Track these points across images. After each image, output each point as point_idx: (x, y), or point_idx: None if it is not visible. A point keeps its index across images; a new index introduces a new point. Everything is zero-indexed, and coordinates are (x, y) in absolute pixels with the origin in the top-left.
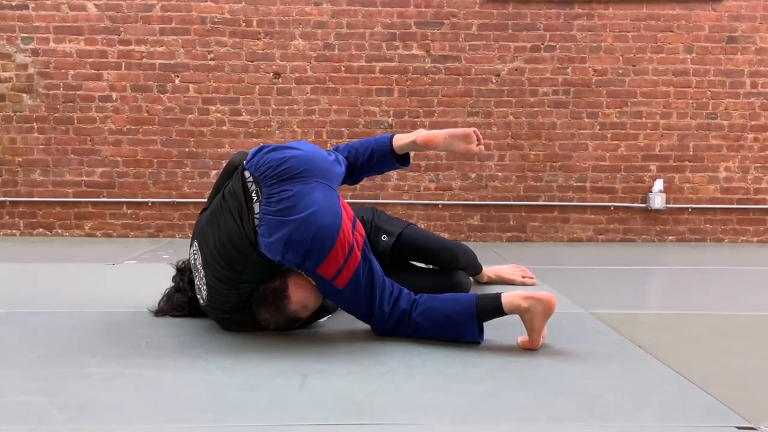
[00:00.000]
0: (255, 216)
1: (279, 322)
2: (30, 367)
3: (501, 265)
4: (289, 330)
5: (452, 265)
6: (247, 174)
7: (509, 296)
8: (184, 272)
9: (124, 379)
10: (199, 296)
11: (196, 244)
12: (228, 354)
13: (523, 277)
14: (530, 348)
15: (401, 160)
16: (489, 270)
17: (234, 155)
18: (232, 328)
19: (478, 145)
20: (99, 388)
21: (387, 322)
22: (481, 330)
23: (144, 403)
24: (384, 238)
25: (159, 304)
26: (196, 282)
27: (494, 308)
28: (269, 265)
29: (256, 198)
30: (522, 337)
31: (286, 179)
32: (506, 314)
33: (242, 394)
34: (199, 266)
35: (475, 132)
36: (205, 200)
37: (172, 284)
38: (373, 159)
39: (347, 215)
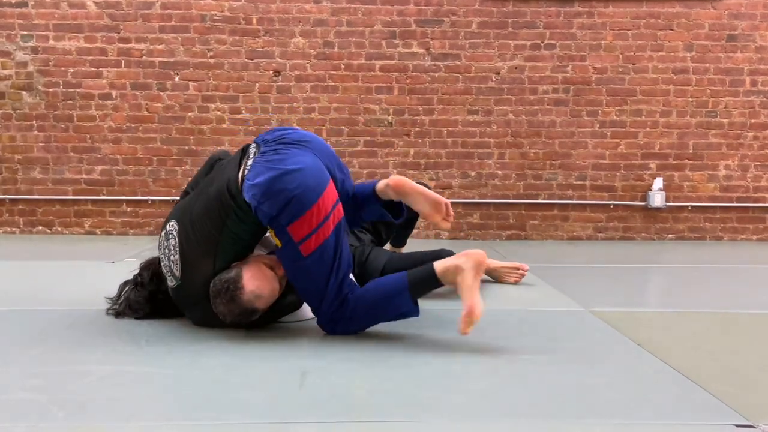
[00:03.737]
0: (247, 166)
1: (234, 314)
2: (30, 364)
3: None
4: (247, 323)
5: None
6: (252, 144)
7: (441, 261)
8: (148, 267)
9: (124, 376)
10: (170, 277)
11: (173, 221)
12: (228, 351)
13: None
14: (468, 317)
15: (390, 209)
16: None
17: (214, 152)
18: (200, 320)
19: (445, 219)
20: (99, 385)
21: (332, 308)
22: (415, 302)
23: (144, 400)
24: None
25: (116, 304)
26: (165, 265)
27: (427, 275)
28: (246, 229)
29: (253, 154)
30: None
31: (285, 143)
32: (440, 281)
33: (242, 391)
34: (172, 243)
35: (446, 205)
36: None
37: (131, 281)
38: (357, 198)
39: (331, 193)
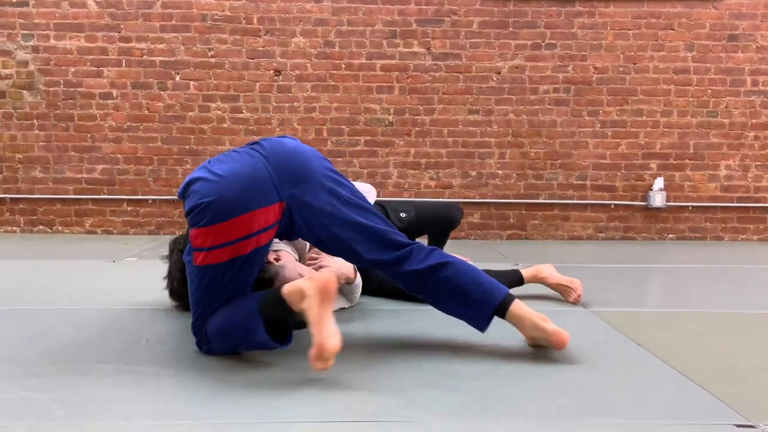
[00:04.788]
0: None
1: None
2: (30, 363)
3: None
4: None
5: (458, 217)
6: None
7: (289, 284)
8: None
9: (125, 376)
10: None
11: None
12: None
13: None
14: (318, 355)
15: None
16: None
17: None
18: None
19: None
20: (99, 385)
21: (198, 322)
22: (279, 332)
23: (144, 400)
24: (403, 215)
25: (171, 284)
26: None
27: (276, 298)
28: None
29: None
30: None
31: (253, 144)
32: (290, 306)
33: (242, 391)
34: None
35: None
36: None
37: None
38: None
39: (250, 221)
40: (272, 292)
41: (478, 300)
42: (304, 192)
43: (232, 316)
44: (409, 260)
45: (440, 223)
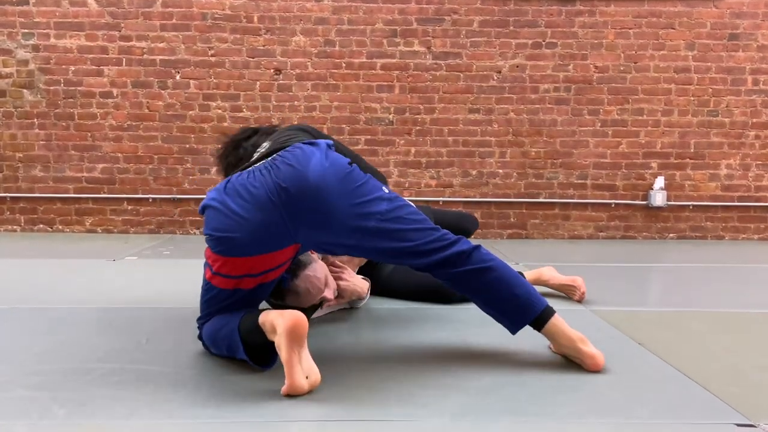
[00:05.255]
0: (252, 163)
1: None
2: (31, 362)
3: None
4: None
5: (472, 230)
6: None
7: (266, 312)
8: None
9: (125, 374)
10: None
11: None
12: None
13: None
14: (288, 392)
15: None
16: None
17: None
18: None
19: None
20: (100, 383)
21: (199, 321)
22: (261, 353)
23: (144, 398)
24: None
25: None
26: None
27: (253, 324)
28: None
29: (265, 154)
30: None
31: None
32: (266, 336)
33: (242, 390)
34: None
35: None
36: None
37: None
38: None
39: (277, 258)
40: (252, 316)
41: (512, 312)
42: (322, 234)
43: (220, 327)
44: (445, 265)
45: (453, 233)
